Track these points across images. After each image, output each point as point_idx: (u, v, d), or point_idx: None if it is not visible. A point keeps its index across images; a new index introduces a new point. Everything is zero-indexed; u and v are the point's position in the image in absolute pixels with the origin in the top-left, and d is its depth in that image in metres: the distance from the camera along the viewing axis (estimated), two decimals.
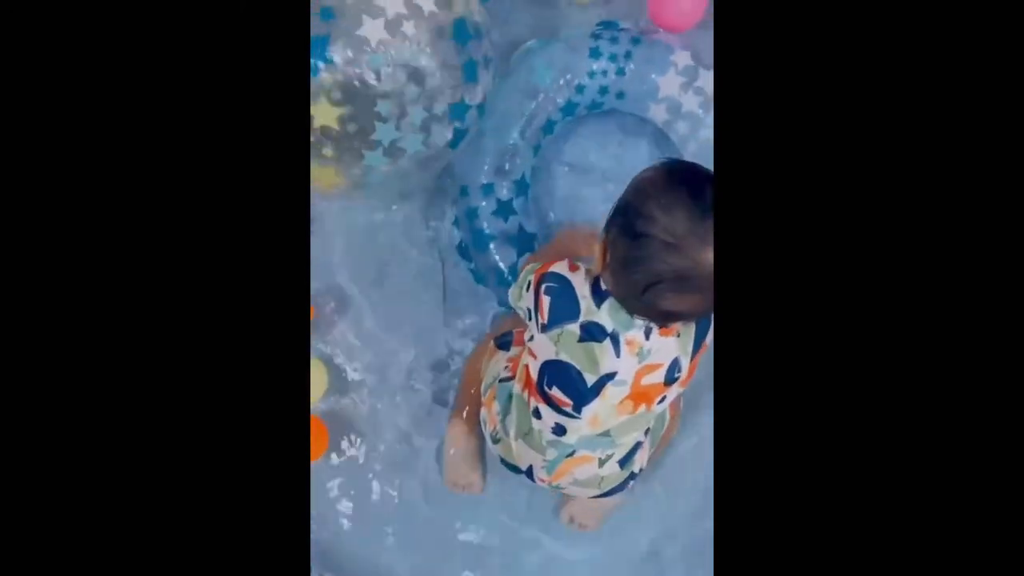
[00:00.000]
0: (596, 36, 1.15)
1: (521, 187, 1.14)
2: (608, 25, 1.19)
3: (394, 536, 1.20)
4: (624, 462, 0.99)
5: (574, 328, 0.86)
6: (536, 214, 1.18)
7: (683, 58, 1.13)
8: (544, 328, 0.89)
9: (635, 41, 1.14)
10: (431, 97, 0.98)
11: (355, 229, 1.23)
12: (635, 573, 1.21)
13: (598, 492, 1.02)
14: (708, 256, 0.74)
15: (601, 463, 0.97)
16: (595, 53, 1.13)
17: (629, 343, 0.85)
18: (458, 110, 1.02)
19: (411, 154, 1.02)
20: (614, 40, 1.14)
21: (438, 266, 1.21)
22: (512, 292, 0.98)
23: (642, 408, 0.91)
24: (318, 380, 1.16)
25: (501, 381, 1.02)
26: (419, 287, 1.23)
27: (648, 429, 1.00)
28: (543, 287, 0.89)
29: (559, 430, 0.93)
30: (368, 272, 1.22)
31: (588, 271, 0.88)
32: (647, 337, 0.85)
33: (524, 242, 1.14)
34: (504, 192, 1.13)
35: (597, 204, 1.18)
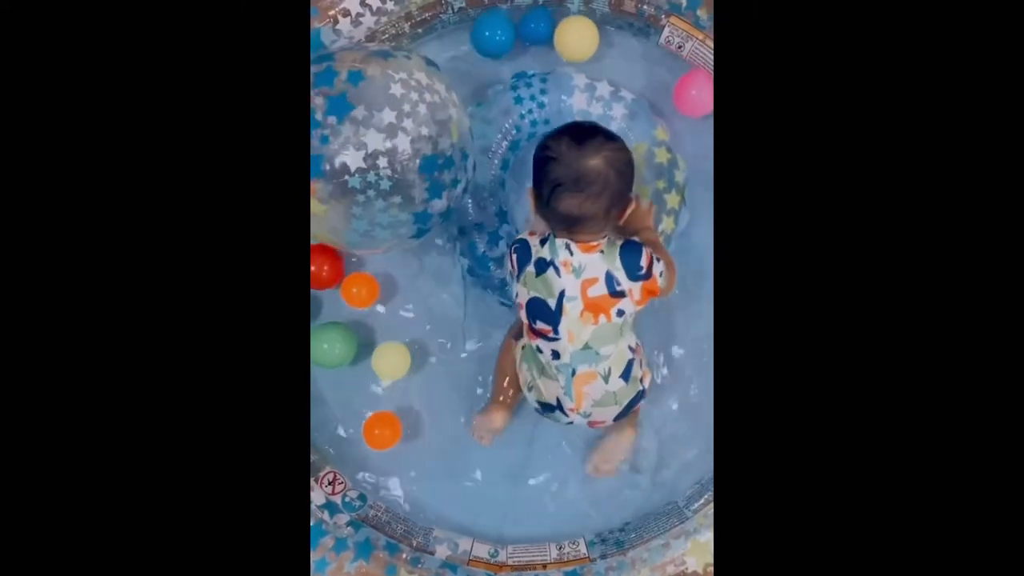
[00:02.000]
0: (515, 87, 1.47)
1: (502, 217, 1.45)
2: (519, 76, 1.49)
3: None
4: (626, 376, 1.22)
5: (531, 268, 1.18)
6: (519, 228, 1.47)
7: (581, 79, 1.47)
8: (515, 277, 1.21)
9: (543, 79, 1.48)
10: (403, 206, 1.18)
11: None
12: None
13: (618, 409, 1.25)
14: (586, 163, 1.09)
15: (605, 378, 1.20)
16: (518, 100, 1.46)
17: (564, 264, 1.15)
18: (422, 217, 1.22)
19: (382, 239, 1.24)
20: (528, 85, 1.48)
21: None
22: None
23: (602, 318, 1.17)
24: (401, 362, 1.42)
25: (522, 348, 1.29)
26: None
27: (631, 346, 1.23)
28: (511, 248, 1.23)
29: (555, 355, 1.20)
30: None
31: (540, 233, 1.20)
32: (571, 253, 1.14)
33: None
34: (492, 225, 1.45)
35: None
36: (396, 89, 1.15)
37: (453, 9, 1.51)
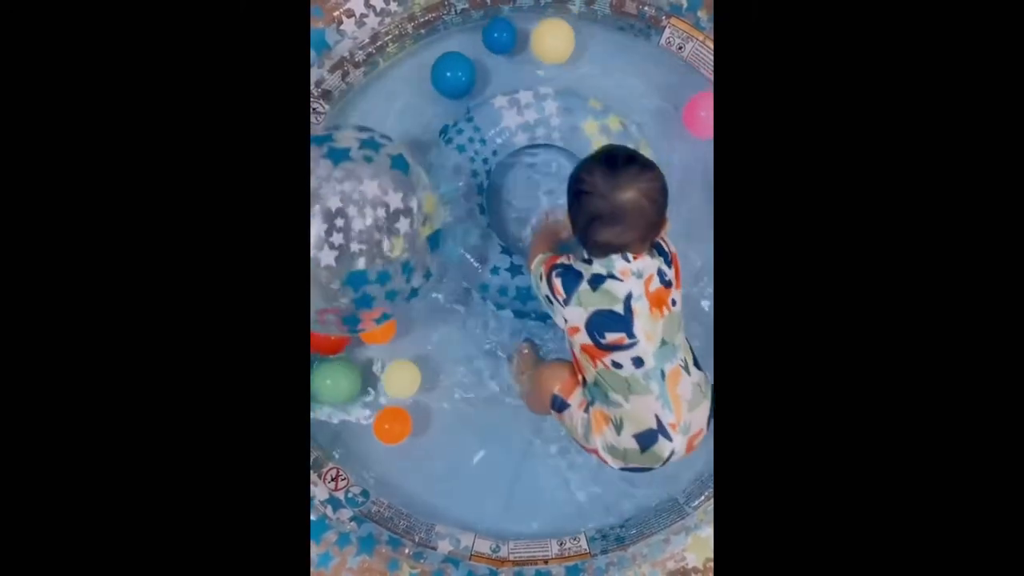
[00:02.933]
0: (449, 140, 1.50)
1: (507, 251, 1.46)
2: (444, 129, 1.53)
3: None
4: (697, 364, 1.23)
5: (584, 286, 1.14)
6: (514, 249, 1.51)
7: (500, 100, 1.50)
8: (565, 302, 1.16)
9: (468, 119, 1.50)
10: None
11: None
12: None
13: (707, 404, 1.22)
14: (622, 196, 1.08)
15: (686, 369, 1.19)
16: (461, 148, 1.48)
17: (623, 272, 1.14)
18: (350, 320, 1.22)
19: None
20: (460, 131, 1.51)
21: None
22: (533, 285, 1.25)
23: (665, 310, 1.16)
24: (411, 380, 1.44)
25: (589, 388, 1.23)
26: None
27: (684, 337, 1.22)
28: (553, 274, 1.17)
29: (638, 363, 1.15)
30: None
31: (576, 255, 1.19)
32: (628, 261, 1.14)
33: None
34: (502, 261, 1.46)
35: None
36: (332, 202, 1.11)
37: (456, 11, 1.53)
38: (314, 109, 1.47)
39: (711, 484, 1.41)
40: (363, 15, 1.47)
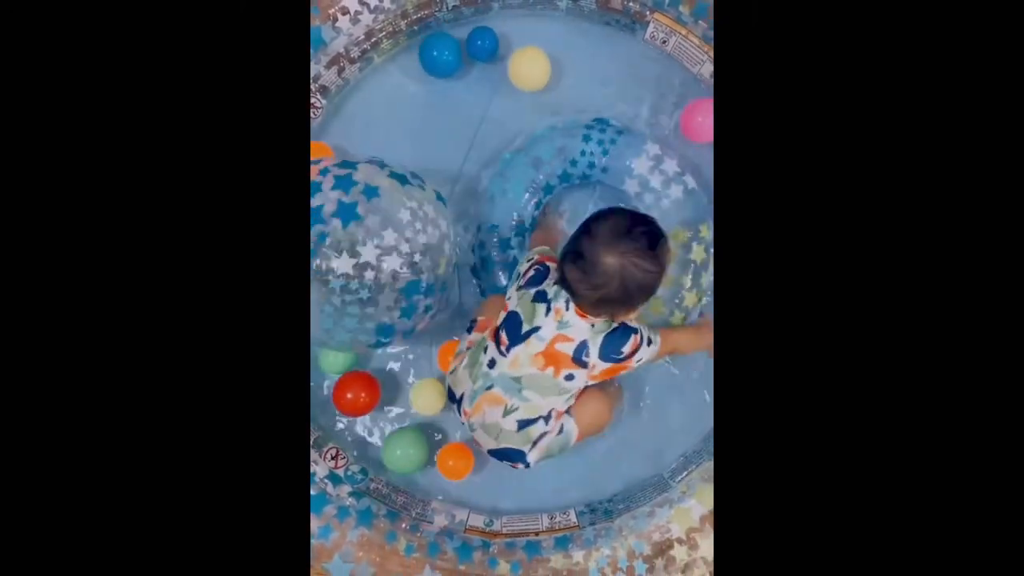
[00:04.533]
0: (589, 127, 1.51)
1: (520, 230, 1.49)
2: (600, 120, 1.52)
3: None
4: (522, 425, 1.24)
5: (532, 291, 1.21)
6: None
7: (653, 148, 1.50)
8: (519, 287, 1.24)
9: (619, 132, 1.51)
10: (372, 317, 1.24)
11: None
12: None
13: (495, 445, 1.28)
14: (604, 256, 1.07)
15: (506, 412, 1.24)
16: (586, 138, 1.49)
17: (557, 311, 1.18)
18: (386, 330, 1.28)
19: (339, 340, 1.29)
20: (603, 131, 1.51)
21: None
22: (520, 264, 1.31)
23: (550, 370, 1.20)
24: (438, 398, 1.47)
25: (467, 350, 1.33)
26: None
27: (552, 415, 1.24)
28: (535, 266, 1.25)
29: (491, 364, 1.24)
30: None
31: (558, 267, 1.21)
32: (567, 307, 1.17)
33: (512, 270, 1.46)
34: (507, 232, 1.49)
35: None
36: (404, 215, 1.22)
37: (447, 7, 1.59)
38: (312, 104, 1.53)
39: (696, 461, 1.48)
40: (357, 12, 1.53)
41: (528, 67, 1.56)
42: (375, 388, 1.48)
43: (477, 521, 1.46)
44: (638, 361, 1.21)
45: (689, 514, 1.38)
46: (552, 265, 1.24)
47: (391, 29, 1.58)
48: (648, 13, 1.57)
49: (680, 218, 1.46)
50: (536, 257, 1.28)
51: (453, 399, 1.32)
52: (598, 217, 1.13)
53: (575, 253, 1.11)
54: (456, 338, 1.47)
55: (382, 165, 1.29)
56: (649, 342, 1.21)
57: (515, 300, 1.23)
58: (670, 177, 1.47)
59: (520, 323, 1.20)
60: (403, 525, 1.42)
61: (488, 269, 1.49)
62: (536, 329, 1.19)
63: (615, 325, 1.18)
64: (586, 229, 1.12)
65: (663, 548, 1.37)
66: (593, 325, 1.17)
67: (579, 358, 1.18)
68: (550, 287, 1.20)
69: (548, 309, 1.18)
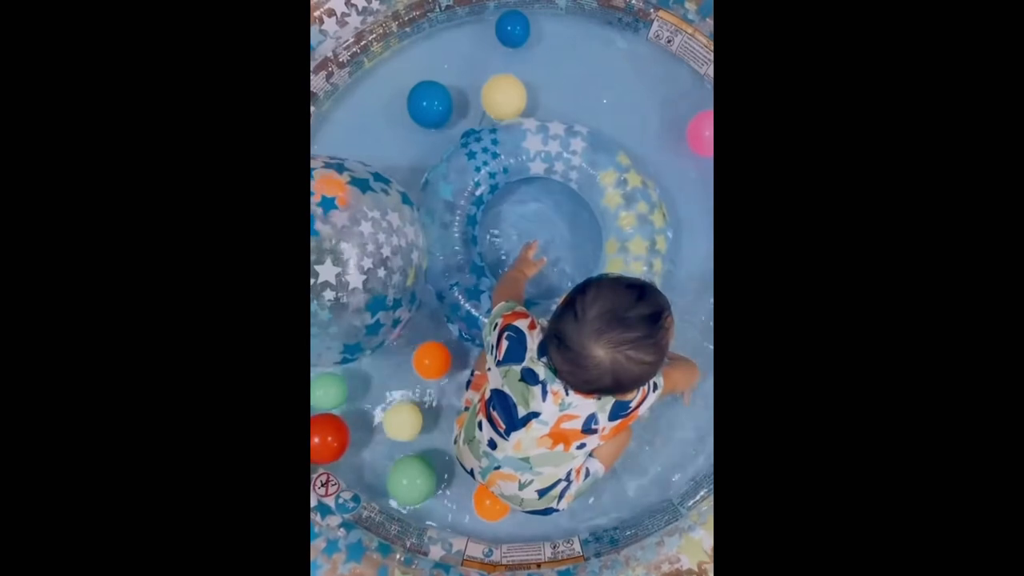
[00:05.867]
0: (464, 144, 1.44)
1: (478, 271, 1.43)
2: (469, 133, 1.46)
3: None
4: (542, 493, 1.17)
5: (517, 369, 1.06)
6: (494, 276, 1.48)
7: (531, 123, 1.44)
8: (498, 363, 1.09)
9: (492, 131, 1.45)
10: (336, 336, 1.16)
11: None
12: None
13: (520, 508, 1.22)
14: (592, 348, 0.92)
15: (522, 486, 1.16)
16: (471, 155, 1.43)
17: (554, 393, 1.04)
18: (352, 349, 1.21)
19: None
20: (479, 139, 1.44)
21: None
22: (485, 327, 1.17)
23: (560, 447, 1.09)
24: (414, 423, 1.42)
25: (466, 409, 1.25)
26: None
27: (571, 472, 1.17)
28: (505, 333, 1.08)
29: (491, 444, 1.13)
30: None
31: (541, 330, 1.07)
32: (567, 393, 1.03)
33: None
34: (470, 282, 1.41)
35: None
36: (365, 227, 1.12)
37: (440, 7, 1.51)
38: None
39: (705, 485, 1.40)
40: (344, 14, 1.45)
41: (502, 95, 1.47)
42: (343, 431, 1.39)
43: (476, 551, 1.39)
44: (647, 408, 1.10)
45: (700, 544, 1.30)
46: (524, 328, 1.07)
47: (381, 31, 1.50)
48: (652, 11, 1.49)
49: (597, 162, 1.42)
50: (500, 322, 1.10)
51: (464, 470, 1.25)
52: (585, 291, 0.95)
53: (558, 338, 0.95)
54: (434, 340, 1.43)
55: (340, 168, 1.19)
56: (655, 387, 1.09)
57: (498, 377, 1.08)
58: (563, 136, 1.42)
59: (514, 406, 1.06)
60: (397, 557, 1.34)
61: (474, 324, 1.41)
62: (535, 415, 1.05)
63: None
64: (571, 306, 0.94)
65: None
66: (599, 398, 1.04)
67: (588, 428, 1.06)
68: (538, 366, 1.04)
69: (544, 392, 1.04)
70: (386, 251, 1.14)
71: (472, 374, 1.34)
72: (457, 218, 1.42)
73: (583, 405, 1.04)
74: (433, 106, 1.49)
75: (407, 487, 1.37)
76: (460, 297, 1.40)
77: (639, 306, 0.92)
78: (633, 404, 1.06)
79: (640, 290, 0.94)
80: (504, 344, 1.07)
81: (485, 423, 1.13)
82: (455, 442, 1.26)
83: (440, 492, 1.44)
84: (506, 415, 1.08)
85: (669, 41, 1.52)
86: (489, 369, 1.12)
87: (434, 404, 1.47)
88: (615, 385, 0.96)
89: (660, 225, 1.43)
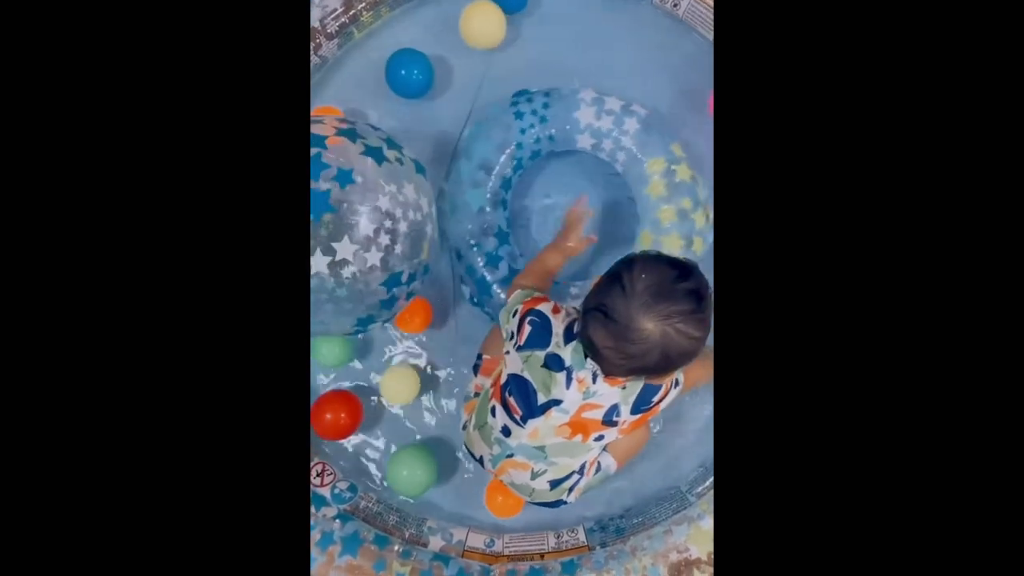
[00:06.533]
0: (514, 103, 1.38)
1: (502, 237, 1.36)
2: (521, 93, 1.40)
3: None
4: (554, 484, 1.14)
5: (541, 355, 1.02)
6: (521, 251, 1.41)
7: (589, 94, 1.37)
8: (519, 348, 1.04)
9: (546, 94, 1.38)
10: (351, 312, 1.12)
11: None
12: None
13: (530, 499, 1.19)
14: (640, 320, 0.87)
15: (534, 475, 1.11)
16: (518, 115, 1.36)
17: (580, 380, 1.00)
18: (365, 321, 1.17)
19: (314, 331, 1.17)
20: (530, 100, 1.38)
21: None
22: (502, 315, 1.12)
23: (578, 437, 1.05)
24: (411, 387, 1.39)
25: (476, 395, 1.20)
26: None
27: (585, 465, 1.13)
28: (528, 318, 1.04)
29: (505, 431, 1.09)
30: None
31: (567, 314, 1.04)
32: (594, 380, 0.99)
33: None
34: (491, 246, 1.35)
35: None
36: (383, 202, 1.07)
37: None
38: None
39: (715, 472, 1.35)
40: None
41: (480, 24, 1.40)
42: (357, 408, 1.36)
43: (477, 540, 1.34)
44: (667, 404, 1.05)
45: (710, 534, 1.25)
46: (548, 312, 1.03)
47: (372, 0, 1.42)
48: None
49: (649, 148, 1.34)
50: (520, 308, 1.06)
51: (469, 454, 1.20)
52: (631, 264, 0.91)
53: (603, 312, 0.90)
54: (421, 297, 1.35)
55: (353, 135, 1.12)
56: (676, 383, 1.05)
57: (518, 362, 1.04)
58: (618, 114, 1.35)
59: (534, 392, 1.02)
60: (395, 548, 1.30)
61: (486, 291, 1.36)
62: (557, 402, 1.01)
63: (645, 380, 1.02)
64: (616, 279, 0.90)
65: (680, 571, 1.24)
66: (624, 387, 1.00)
67: (609, 420, 1.03)
68: (564, 351, 1.00)
69: (568, 379, 1.00)
70: (403, 227, 1.10)
71: (479, 358, 1.29)
72: (492, 179, 1.35)
73: (608, 395, 1.00)
74: (412, 75, 1.42)
75: (407, 478, 1.33)
76: (480, 259, 1.34)
77: (686, 282, 0.89)
78: (656, 398, 1.02)
79: (684, 267, 0.91)
80: (527, 329, 1.03)
81: (499, 409, 1.08)
82: (463, 428, 1.22)
83: (443, 482, 1.40)
84: (524, 401, 1.04)
85: (675, 5, 1.43)
86: (507, 353, 1.08)
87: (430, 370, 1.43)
88: (662, 360, 0.90)
89: (700, 225, 1.34)
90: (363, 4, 1.42)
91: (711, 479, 1.34)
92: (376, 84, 1.46)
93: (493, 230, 1.35)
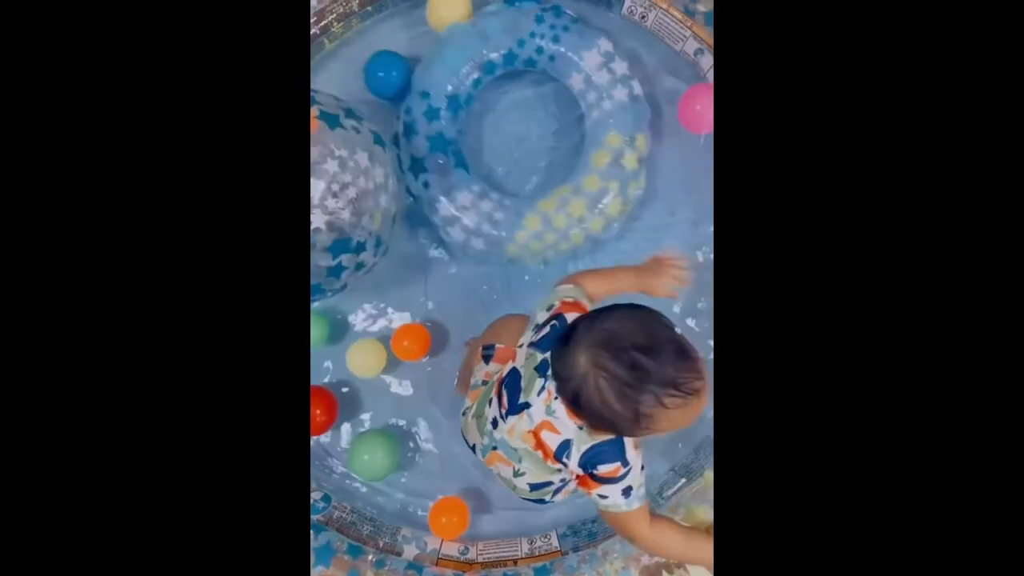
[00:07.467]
0: (544, 9, 1.42)
1: (453, 103, 1.40)
2: (556, 7, 1.43)
3: None
4: (534, 487, 1.09)
5: (540, 357, 1.00)
6: (463, 133, 1.47)
7: (606, 44, 1.41)
8: (531, 344, 1.03)
9: (573, 20, 1.43)
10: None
11: None
12: None
13: (515, 495, 1.14)
14: (574, 344, 0.88)
15: (516, 473, 1.08)
16: (539, 19, 1.41)
17: (549, 392, 0.98)
18: (315, 290, 1.20)
19: None
20: (558, 15, 1.42)
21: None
22: (539, 304, 1.09)
23: (540, 453, 1.01)
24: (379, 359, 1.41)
25: (484, 383, 1.18)
26: None
27: (564, 482, 1.07)
28: (554, 319, 1.02)
29: (494, 423, 1.08)
30: None
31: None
32: (555, 397, 0.96)
33: (438, 144, 1.41)
34: (438, 102, 1.40)
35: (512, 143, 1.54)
36: (331, 165, 1.09)
37: None
38: None
39: (684, 474, 1.37)
40: None
41: (446, 8, 1.42)
42: (331, 405, 1.37)
43: (451, 549, 1.35)
44: (602, 498, 0.98)
45: None
46: (571, 319, 0.99)
47: (342, 11, 1.43)
48: None
49: (619, 122, 1.39)
50: (557, 305, 1.04)
51: (465, 441, 1.20)
52: (625, 306, 0.91)
53: (574, 326, 0.91)
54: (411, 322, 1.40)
55: (311, 100, 1.14)
56: (626, 492, 0.97)
57: (522, 356, 1.04)
58: (617, 78, 1.39)
59: (519, 390, 1.01)
60: (369, 558, 1.30)
61: (409, 137, 1.40)
62: (528, 405, 1.00)
63: (605, 436, 0.95)
64: (606, 309, 0.91)
65: (652, 575, 1.26)
66: (581, 427, 0.95)
67: (560, 455, 0.98)
68: (547, 355, 0.99)
69: (543, 387, 0.98)
70: (351, 192, 1.12)
71: (493, 348, 1.23)
72: (479, 56, 1.40)
73: (566, 425, 0.96)
74: (391, 76, 1.43)
75: (368, 462, 1.34)
76: (436, 190, 1.38)
77: (644, 357, 0.83)
78: (602, 469, 0.95)
79: (653, 349, 0.84)
80: (546, 331, 1.02)
81: (495, 400, 1.08)
82: (463, 414, 1.21)
83: (409, 486, 1.40)
84: (511, 397, 1.03)
85: (643, 17, 1.46)
86: (520, 345, 1.06)
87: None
88: (573, 397, 0.90)
89: (613, 214, 1.39)
90: (333, 15, 1.43)
91: (682, 481, 1.37)
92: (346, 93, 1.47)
93: (450, 148, 1.40)
